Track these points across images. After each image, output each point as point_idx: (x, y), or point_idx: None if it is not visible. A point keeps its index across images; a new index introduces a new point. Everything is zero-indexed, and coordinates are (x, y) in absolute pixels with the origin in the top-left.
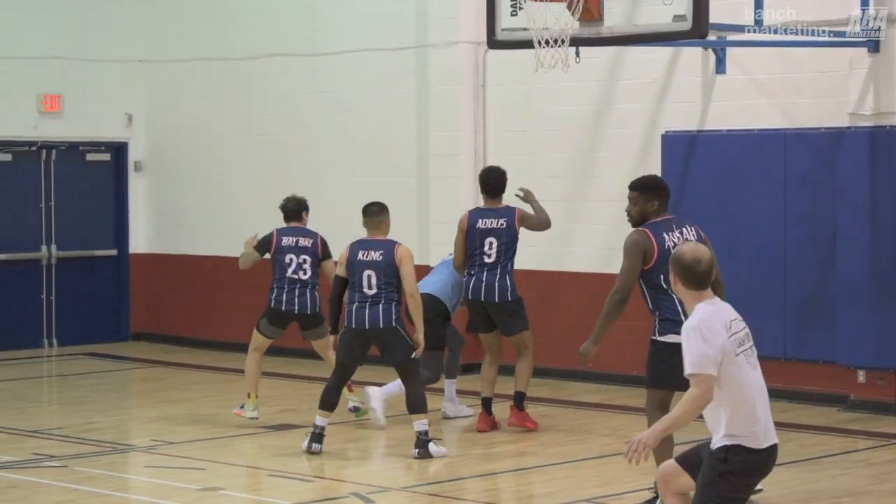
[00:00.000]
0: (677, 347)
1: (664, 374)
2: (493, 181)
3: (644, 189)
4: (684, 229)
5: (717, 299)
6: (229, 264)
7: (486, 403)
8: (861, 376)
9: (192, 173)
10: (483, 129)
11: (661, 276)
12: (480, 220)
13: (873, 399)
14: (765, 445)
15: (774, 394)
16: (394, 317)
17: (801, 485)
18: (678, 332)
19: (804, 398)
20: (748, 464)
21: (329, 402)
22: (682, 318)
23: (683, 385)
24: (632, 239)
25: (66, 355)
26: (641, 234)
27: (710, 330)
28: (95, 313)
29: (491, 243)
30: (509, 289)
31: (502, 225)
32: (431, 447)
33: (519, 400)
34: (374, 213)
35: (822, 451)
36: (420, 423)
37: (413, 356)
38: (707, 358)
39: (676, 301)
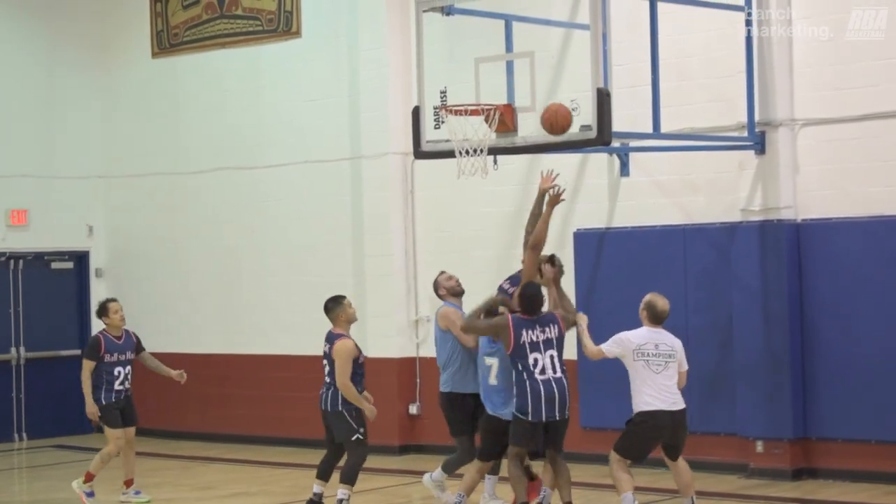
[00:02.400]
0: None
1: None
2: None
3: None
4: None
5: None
6: (178, 360)
7: None
8: (759, 446)
9: (149, 278)
10: (413, 230)
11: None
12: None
13: (770, 467)
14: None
15: None
16: (340, 401)
17: None
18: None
19: (708, 468)
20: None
21: (323, 472)
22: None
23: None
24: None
25: (35, 448)
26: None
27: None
28: (62, 408)
29: None
30: None
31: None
32: None
33: None
34: (326, 308)
35: None
36: (342, 492)
37: (354, 438)
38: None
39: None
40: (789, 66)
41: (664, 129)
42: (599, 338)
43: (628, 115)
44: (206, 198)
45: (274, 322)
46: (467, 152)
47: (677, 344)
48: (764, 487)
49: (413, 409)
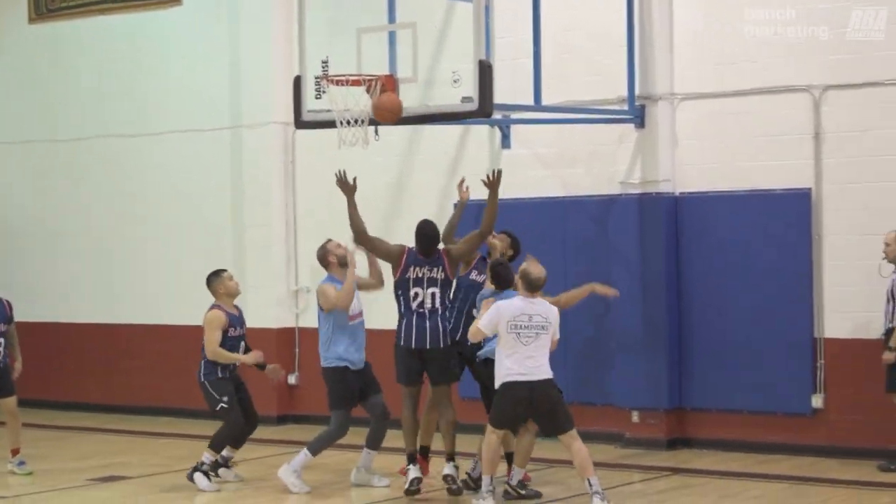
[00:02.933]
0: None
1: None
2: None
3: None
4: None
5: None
6: (54, 329)
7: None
8: (635, 416)
9: (24, 247)
10: (294, 201)
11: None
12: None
13: (646, 436)
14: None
15: None
16: (201, 373)
17: None
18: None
19: (585, 438)
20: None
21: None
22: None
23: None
24: None
25: None
26: None
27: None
28: None
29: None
30: None
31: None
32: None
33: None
34: (207, 282)
35: (603, 485)
36: (205, 456)
37: (218, 408)
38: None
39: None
40: (670, 41)
41: (545, 101)
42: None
43: (510, 88)
44: (83, 166)
45: (152, 293)
46: (348, 122)
47: (552, 314)
48: (640, 457)
49: (292, 380)
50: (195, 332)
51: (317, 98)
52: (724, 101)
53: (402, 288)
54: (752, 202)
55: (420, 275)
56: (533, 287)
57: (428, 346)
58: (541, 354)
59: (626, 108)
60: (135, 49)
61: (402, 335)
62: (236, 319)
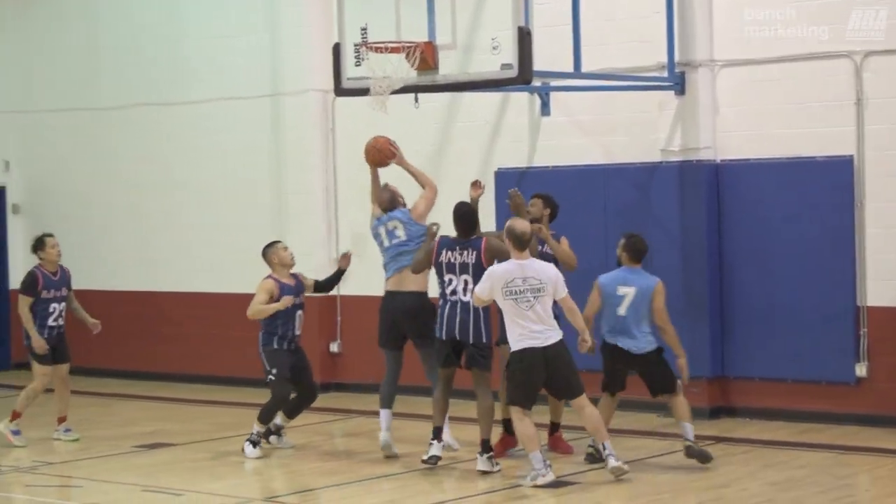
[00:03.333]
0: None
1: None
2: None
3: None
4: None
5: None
6: (97, 297)
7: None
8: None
9: (66, 214)
10: (334, 169)
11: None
12: None
13: (689, 405)
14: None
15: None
16: (259, 344)
17: (625, 483)
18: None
19: (627, 406)
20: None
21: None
22: None
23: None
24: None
25: None
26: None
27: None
28: None
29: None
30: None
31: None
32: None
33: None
34: (262, 253)
35: (644, 454)
36: (254, 427)
37: (267, 379)
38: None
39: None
40: (709, 6)
41: (585, 68)
42: None
43: (549, 55)
44: (123, 134)
45: (193, 260)
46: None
47: (548, 272)
48: None
49: (334, 348)
50: (234, 301)
51: (356, 65)
52: (764, 68)
53: (437, 273)
54: (794, 170)
55: (453, 260)
56: (521, 244)
57: (471, 340)
58: (546, 317)
59: (665, 74)
60: (172, 16)
61: (438, 324)
62: (290, 289)
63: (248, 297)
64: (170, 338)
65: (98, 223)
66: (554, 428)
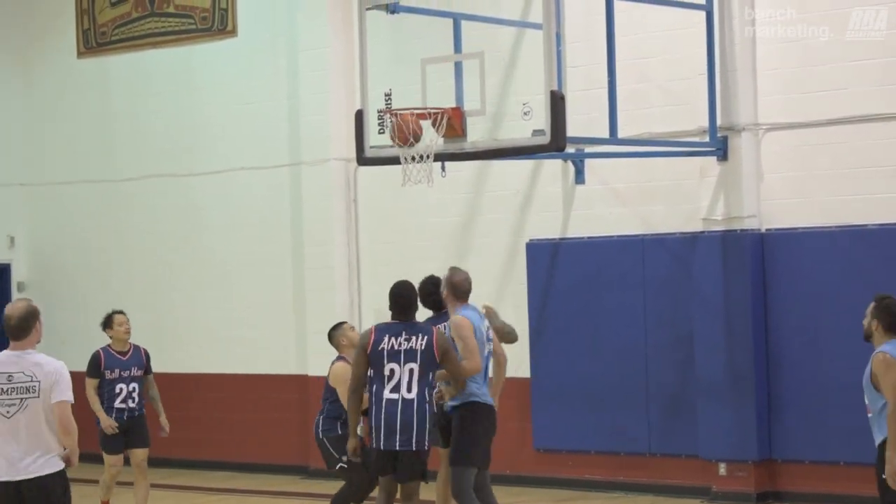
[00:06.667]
0: None
1: None
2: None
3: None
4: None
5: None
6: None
7: None
8: (722, 469)
9: (75, 292)
10: (356, 241)
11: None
12: None
13: (734, 490)
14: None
15: (640, 488)
16: (320, 429)
17: None
18: None
19: (669, 491)
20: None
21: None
22: None
23: None
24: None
25: None
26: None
27: None
28: None
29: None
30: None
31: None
32: None
33: None
34: (328, 336)
35: None
36: None
37: (337, 467)
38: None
39: None
40: (752, 67)
41: (621, 133)
42: (552, 356)
43: (583, 120)
44: (135, 207)
45: (208, 339)
46: (413, 158)
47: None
48: None
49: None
50: (250, 381)
51: (380, 133)
52: (811, 132)
53: (373, 364)
54: (844, 238)
55: (397, 346)
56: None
57: (413, 447)
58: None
59: (707, 139)
60: (188, 83)
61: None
62: None
63: (269, 378)
64: (181, 421)
65: (108, 301)
66: None
